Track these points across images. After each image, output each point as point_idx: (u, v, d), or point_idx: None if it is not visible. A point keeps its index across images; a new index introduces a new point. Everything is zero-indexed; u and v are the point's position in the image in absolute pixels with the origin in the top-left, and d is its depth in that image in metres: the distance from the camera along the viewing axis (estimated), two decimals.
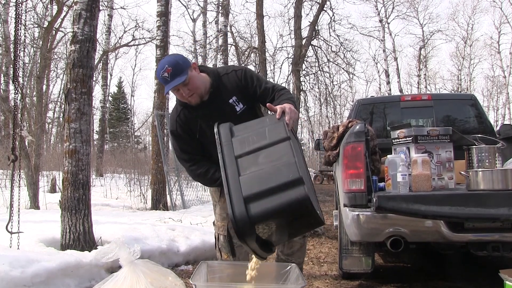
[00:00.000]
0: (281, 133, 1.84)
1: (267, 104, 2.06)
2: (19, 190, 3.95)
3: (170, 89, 2.15)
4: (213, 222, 2.55)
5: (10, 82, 11.68)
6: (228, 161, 1.80)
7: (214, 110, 2.26)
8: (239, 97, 2.28)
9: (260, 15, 11.23)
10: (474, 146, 3.12)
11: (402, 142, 3.18)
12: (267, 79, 2.43)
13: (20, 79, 4.35)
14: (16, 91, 3.95)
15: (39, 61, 10.99)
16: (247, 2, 15.18)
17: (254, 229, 1.61)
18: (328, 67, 14.34)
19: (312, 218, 1.66)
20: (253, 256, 1.84)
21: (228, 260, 2.35)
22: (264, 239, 1.69)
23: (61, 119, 20.89)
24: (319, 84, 14.79)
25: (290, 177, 1.63)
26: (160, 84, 8.22)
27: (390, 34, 27.82)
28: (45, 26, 10.95)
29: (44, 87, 13.75)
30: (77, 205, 3.87)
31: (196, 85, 2.20)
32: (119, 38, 21.30)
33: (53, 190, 10.58)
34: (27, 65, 14.58)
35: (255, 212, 1.60)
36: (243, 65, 12.15)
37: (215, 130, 1.97)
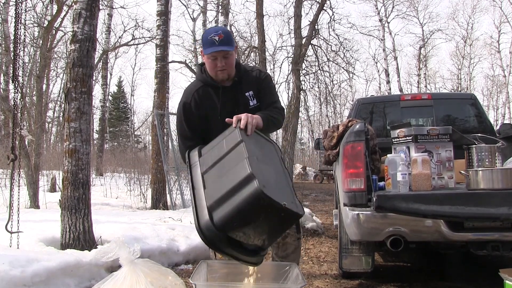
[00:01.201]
0: (235, 138, 1.88)
1: (226, 119, 2.11)
2: (19, 189, 3.95)
3: (215, 51, 2.20)
4: None
5: (10, 81, 11.67)
6: (195, 180, 1.86)
7: (231, 98, 2.34)
8: (255, 93, 2.39)
9: (260, 15, 11.22)
10: (474, 146, 3.12)
11: (402, 141, 3.18)
12: (278, 99, 2.52)
13: (20, 79, 4.34)
14: (16, 91, 3.95)
15: (39, 60, 10.99)
16: (247, 1, 15.23)
17: (223, 236, 1.62)
18: (328, 66, 14.31)
19: (280, 211, 1.62)
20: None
21: (222, 259, 2.29)
22: (246, 245, 1.69)
23: (61, 118, 20.89)
24: (319, 84, 14.78)
25: (241, 175, 1.63)
26: (160, 84, 8.23)
27: (390, 34, 27.85)
28: (45, 25, 10.93)
29: (44, 86, 13.75)
30: (77, 205, 3.87)
31: (231, 64, 2.30)
32: (119, 37, 21.33)
33: (53, 189, 10.58)
34: (27, 64, 14.58)
35: (218, 218, 1.62)
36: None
37: (186, 157, 2.04)
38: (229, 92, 2.34)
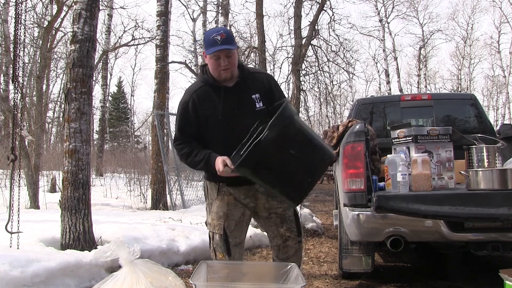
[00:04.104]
0: None
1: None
2: (19, 189, 3.95)
3: (219, 49, 2.21)
4: (205, 222, 2.49)
5: (10, 81, 11.66)
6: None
7: (234, 99, 2.31)
8: (261, 96, 2.36)
9: (260, 15, 11.23)
10: (474, 146, 3.12)
11: (402, 141, 3.18)
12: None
13: (20, 79, 4.35)
14: (16, 91, 3.95)
15: (39, 60, 10.99)
16: (246, 1, 15.20)
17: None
18: (328, 66, 14.33)
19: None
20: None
21: (222, 259, 2.31)
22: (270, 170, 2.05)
23: (61, 118, 20.90)
24: (319, 84, 14.79)
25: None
26: (160, 84, 8.22)
27: (390, 34, 27.86)
28: (45, 25, 10.93)
29: (44, 86, 13.75)
30: (77, 205, 3.87)
31: (234, 63, 2.30)
32: (119, 37, 21.26)
33: (53, 189, 10.58)
34: (27, 64, 14.58)
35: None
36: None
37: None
38: (231, 93, 2.32)
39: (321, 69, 13.53)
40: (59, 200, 4.01)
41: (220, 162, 2.16)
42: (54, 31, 10.30)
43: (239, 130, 2.21)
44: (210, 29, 2.34)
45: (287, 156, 2.06)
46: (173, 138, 2.40)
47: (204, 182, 2.50)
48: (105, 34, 19.01)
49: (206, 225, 2.46)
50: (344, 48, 13.35)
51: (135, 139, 34.37)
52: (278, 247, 2.44)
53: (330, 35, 13.20)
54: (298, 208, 3.38)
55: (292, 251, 2.44)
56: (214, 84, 2.33)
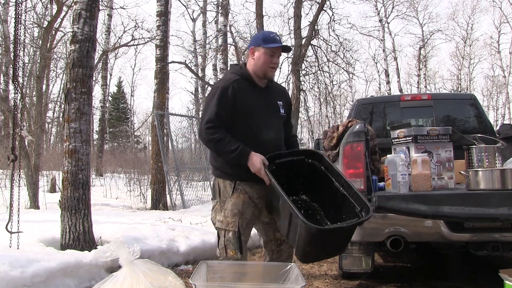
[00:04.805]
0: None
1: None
2: (19, 190, 3.95)
3: (279, 46, 2.37)
4: (212, 220, 2.46)
5: (10, 81, 11.67)
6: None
7: (265, 99, 2.44)
8: (283, 105, 2.53)
9: (259, 15, 11.22)
10: (474, 146, 3.12)
11: (402, 141, 3.18)
12: None
13: (20, 79, 4.35)
14: (16, 91, 3.95)
15: (38, 60, 10.98)
16: (246, 1, 15.16)
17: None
18: (328, 66, 14.34)
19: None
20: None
21: (234, 257, 2.31)
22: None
23: (61, 119, 20.88)
24: (319, 84, 14.79)
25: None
26: (160, 84, 8.22)
27: (390, 34, 27.84)
28: (44, 26, 10.94)
29: (44, 86, 13.74)
30: (77, 205, 3.87)
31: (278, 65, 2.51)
32: (119, 38, 21.19)
33: (53, 190, 10.58)
34: (26, 64, 14.56)
35: None
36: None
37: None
38: (264, 93, 2.45)
39: (321, 69, 13.52)
40: (59, 200, 4.01)
41: (259, 160, 2.23)
42: (54, 31, 10.30)
43: (267, 129, 2.38)
44: (264, 30, 2.49)
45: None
46: (205, 119, 2.33)
47: (215, 180, 2.47)
48: (105, 34, 19.01)
49: (214, 223, 2.43)
50: (344, 48, 13.35)
51: (135, 139, 34.33)
52: (272, 251, 2.50)
53: (330, 35, 13.20)
54: None
55: (285, 255, 2.50)
56: (251, 80, 2.42)
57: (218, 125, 2.30)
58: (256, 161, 2.23)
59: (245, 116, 2.35)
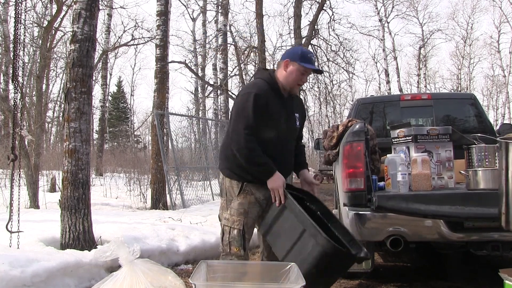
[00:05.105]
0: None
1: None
2: (19, 189, 3.95)
3: (312, 69, 2.52)
4: (219, 217, 2.57)
5: (10, 81, 11.66)
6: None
7: (287, 110, 2.54)
8: (299, 117, 2.65)
9: (259, 15, 11.22)
10: (473, 146, 3.11)
11: (402, 141, 3.18)
12: None
13: (20, 79, 4.35)
14: (16, 91, 3.95)
15: (38, 60, 10.99)
16: (246, 1, 15.19)
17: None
18: (328, 66, 14.30)
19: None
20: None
21: (237, 253, 2.41)
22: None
23: (61, 118, 20.87)
24: (319, 84, 14.78)
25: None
26: (159, 84, 8.23)
27: (390, 34, 27.84)
28: (44, 25, 10.94)
29: (44, 86, 13.74)
30: (76, 205, 3.87)
31: None
32: (119, 37, 21.21)
33: (53, 189, 10.58)
34: (26, 64, 14.59)
35: None
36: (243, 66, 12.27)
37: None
38: (286, 103, 2.54)
39: (321, 69, 13.51)
40: (59, 200, 4.01)
41: (281, 180, 2.38)
42: (53, 30, 10.30)
43: (285, 140, 2.52)
44: (301, 48, 2.70)
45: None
46: (244, 125, 2.36)
47: (223, 179, 2.55)
48: (105, 34, 19.01)
49: (220, 220, 2.54)
50: (344, 47, 13.35)
51: (135, 139, 34.34)
52: (268, 253, 2.56)
53: (330, 34, 13.20)
54: None
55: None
56: (279, 90, 2.50)
57: (254, 133, 2.36)
58: (278, 179, 2.37)
59: (270, 124, 2.41)
